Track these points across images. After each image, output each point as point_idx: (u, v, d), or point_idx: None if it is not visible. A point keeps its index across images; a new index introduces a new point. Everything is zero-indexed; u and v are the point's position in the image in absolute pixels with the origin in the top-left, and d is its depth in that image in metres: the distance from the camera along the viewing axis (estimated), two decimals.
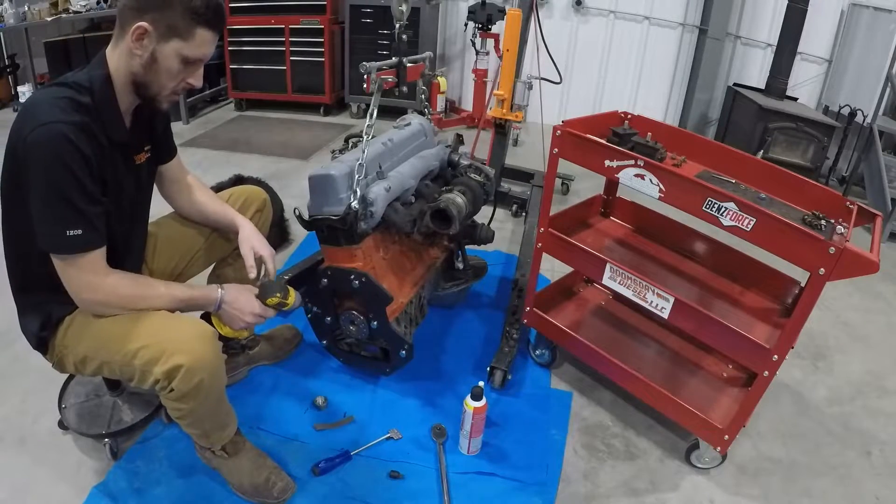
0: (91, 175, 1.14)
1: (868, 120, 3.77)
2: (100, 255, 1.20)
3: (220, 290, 1.35)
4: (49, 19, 4.12)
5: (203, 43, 1.21)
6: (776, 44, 4.08)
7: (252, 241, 1.50)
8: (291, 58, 4.58)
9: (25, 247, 1.23)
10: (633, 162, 1.50)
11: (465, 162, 2.01)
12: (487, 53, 4.21)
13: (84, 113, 1.14)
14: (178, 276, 1.58)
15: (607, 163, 1.56)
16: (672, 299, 1.56)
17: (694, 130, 4.59)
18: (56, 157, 1.09)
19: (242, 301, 1.37)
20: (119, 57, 1.20)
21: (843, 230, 1.43)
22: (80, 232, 1.14)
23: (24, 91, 4.38)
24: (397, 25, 1.96)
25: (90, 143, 1.14)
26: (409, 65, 2.02)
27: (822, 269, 1.28)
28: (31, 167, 1.10)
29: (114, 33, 1.21)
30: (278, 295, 1.38)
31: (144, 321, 1.24)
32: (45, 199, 1.12)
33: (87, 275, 1.19)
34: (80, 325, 1.28)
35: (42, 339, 1.30)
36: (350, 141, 1.93)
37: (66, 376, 1.68)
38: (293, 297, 1.42)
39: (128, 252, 1.37)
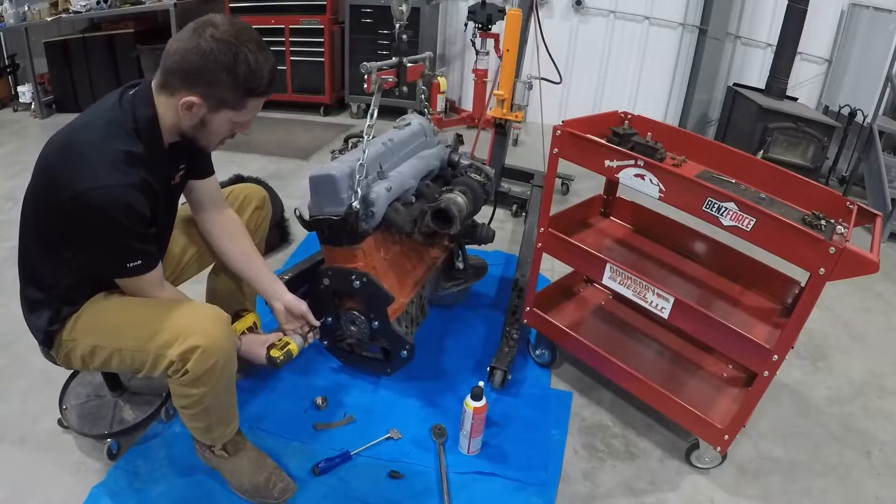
0: (145, 223, 1.19)
1: (868, 120, 3.77)
2: (156, 271, 1.28)
3: (238, 342, 1.44)
4: (49, 19, 4.12)
5: (255, 109, 1.24)
6: (776, 44, 4.08)
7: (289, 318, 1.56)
8: (291, 58, 4.58)
9: (51, 255, 1.25)
10: (633, 162, 1.50)
11: (465, 162, 2.01)
12: (487, 53, 4.20)
13: (139, 165, 1.16)
14: (173, 281, 1.58)
15: (607, 163, 1.56)
16: (672, 299, 1.56)
17: (694, 130, 4.59)
18: (115, 221, 1.13)
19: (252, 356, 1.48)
20: (166, 108, 1.20)
21: (843, 230, 1.43)
22: (139, 262, 1.23)
23: (24, 91, 4.38)
24: (397, 25, 1.96)
25: (146, 198, 1.18)
26: (409, 65, 2.02)
27: (822, 269, 1.28)
28: (87, 221, 1.14)
29: (158, 77, 1.19)
30: (281, 357, 1.48)
31: (160, 307, 1.27)
32: (104, 246, 1.19)
33: (144, 288, 1.30)
34: (91, 316, 1.29)
35: (50, 334, 1.31)
36: (350, 141, 1.92)
37: (66, 377, 1.68)
38: (294, 348, 1.52)
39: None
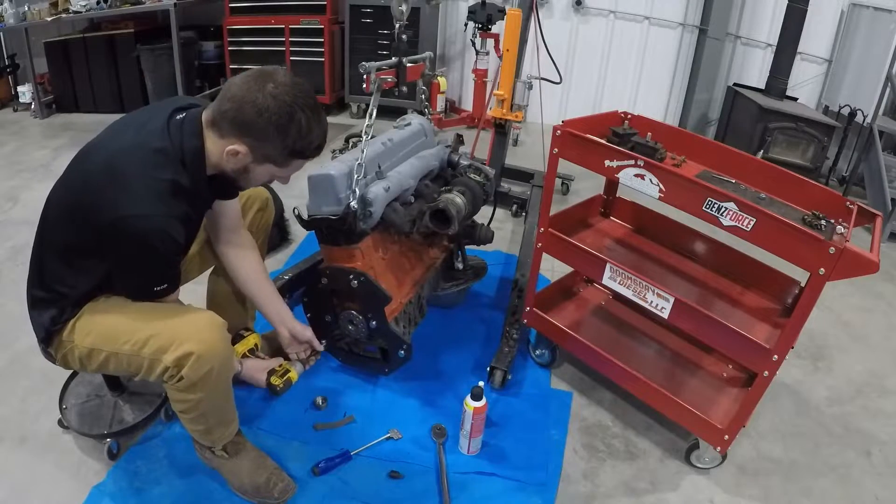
0: (179, 250, 1.22)
1: (868, 120, 3.77)
2: (176, 293, 1.33)
3: (239, 365, 1.51)
4: (49, 19, 4.12)
5: (298, 167, 1.27)
6: (776, 44, 4.08)
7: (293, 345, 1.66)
8: (291, 58, 4.58)
9: (71, 262, 1.26)
10: (633, 162, 1.50)
11: (464, 162, 2.01)
12: (487, 53, 4.20)
13: (183, 197, 1.18)
14: None
15: (607, 163, 1.56)
16: (672, 299, 1.56)
17: (694, 130, 4.58)
18: (152, 249, 1.15)
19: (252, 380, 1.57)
20: (213, 145, 1.21)
21: (843, 230, 1.43)
22: (165, 286, 1.27)
23: (24, 91, 4.38)
24: (397, 25, 1.96)
25: (186, 228, 1.20)
26: (409, 65, 2.02)
27: (822, 269, 1.28)
28: (124, 246, 1.16)
29: (210, 113, 1.20)
30: (281, 385, 1.57)
31: (155, 311, 1.27)
32: (135, 270, 1.22)
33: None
34: (89, 319, 1.29)
35: (50, 334, 1.31)
36: (350, 141, 1.93)
37: (66, 376, 1.68)
38: (294, 376, 1.62)
39: None
